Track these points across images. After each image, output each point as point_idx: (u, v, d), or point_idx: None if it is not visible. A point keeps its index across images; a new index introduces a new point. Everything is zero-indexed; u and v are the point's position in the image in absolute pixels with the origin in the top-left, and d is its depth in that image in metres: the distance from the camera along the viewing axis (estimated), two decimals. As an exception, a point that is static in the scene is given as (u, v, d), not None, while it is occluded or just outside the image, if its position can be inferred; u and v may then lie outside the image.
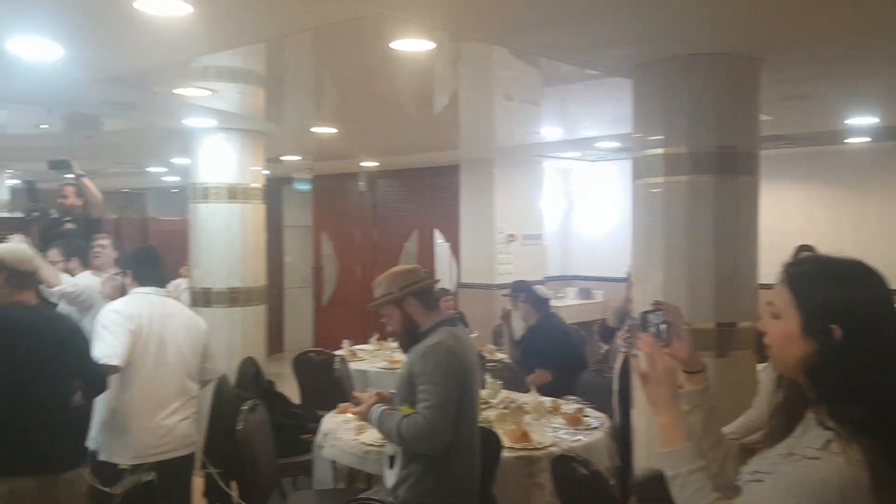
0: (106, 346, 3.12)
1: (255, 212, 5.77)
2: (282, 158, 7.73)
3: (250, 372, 5.01)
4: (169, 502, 3.31)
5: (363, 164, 8.54)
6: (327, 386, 5.12)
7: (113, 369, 3.13)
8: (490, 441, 3.12)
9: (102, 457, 3.22)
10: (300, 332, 10.00)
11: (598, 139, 6.59)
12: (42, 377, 2.88)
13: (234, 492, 4.01)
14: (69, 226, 5.06)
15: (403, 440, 2.64)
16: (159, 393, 3.30)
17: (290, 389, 5.33)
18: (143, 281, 3.41)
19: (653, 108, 3.45)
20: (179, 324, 3.41)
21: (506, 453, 3.29)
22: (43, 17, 2.89)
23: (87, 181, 5.02)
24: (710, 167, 3.27)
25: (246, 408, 3.79)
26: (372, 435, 3.54)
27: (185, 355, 3.38)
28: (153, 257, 3.60)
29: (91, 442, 3.28)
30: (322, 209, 9.80)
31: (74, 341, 3.04)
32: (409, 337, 2.82)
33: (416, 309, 2.82)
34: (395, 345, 5.91)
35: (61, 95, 4.58)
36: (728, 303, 3.26)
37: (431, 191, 8.44)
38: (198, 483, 4.20)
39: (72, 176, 5.00)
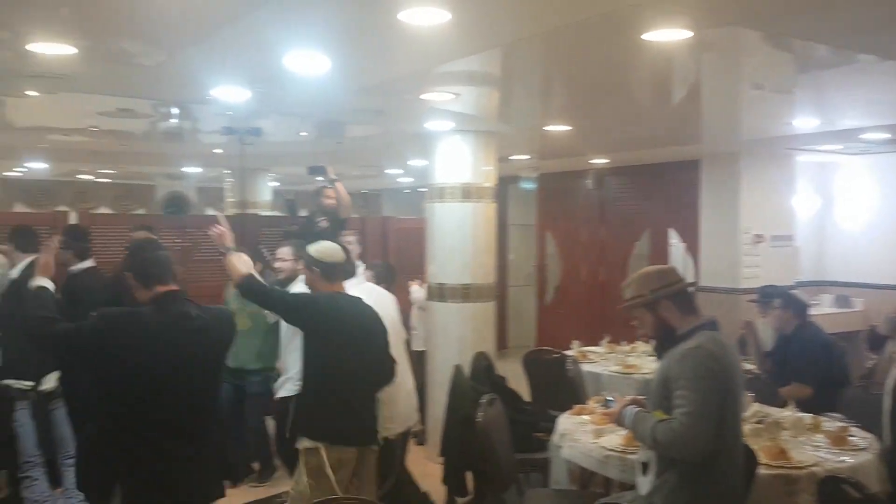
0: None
1: (487, 211, 5.89)
2: (510, 158, 7.84)
3: (483, 366, 5.12)
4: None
5: (592, 161, 8.40)
6: (558, 385, 5.09)
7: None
8: (745, 456, 2.91)
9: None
10: (523, 330, 10.11)
11: (864, 130, 5.91)
12: (365, 359, 3.26)
13: (469, 482, 4.16)
14: (324, 224, 5.48)
15: (658, 444, 2.55)
16: (404, 369, 3.80)
17: (516, 386, 5.37)
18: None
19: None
20: (390, 303, 4.01)
21: (762, 470, 3.06)
22: (317, 33, 3.17)
23: (339, 185, 5.39)
24: None
25: (484, 401, 3.88)
26: (612, 440, 3.48)
27: (400, 333, 3.98)
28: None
29: None
30: (546, 208, 9.80)
31: (382, 331, 3.42)
32: (664, 341, 2.71)
33: (671, 312, 2.70)
34: (627, 348, 5.80)
35: (321, 105, 5.02)
36: None
37: (667, 188, 8.07)
38: (436, 469, 4.40)
39: (327, 179, 5.44)
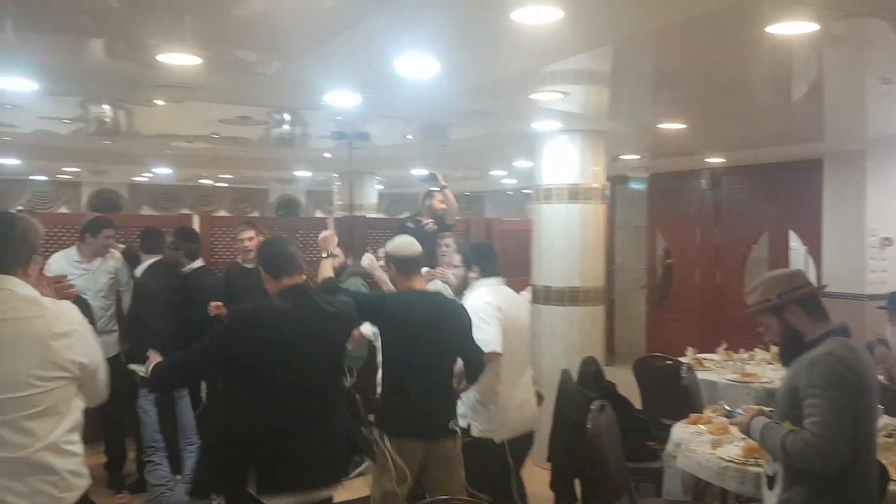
0: (486, 335, 3.49)
1: (595, 212, 5.77)
2: (620, 157, 7.65)
3: (591, 371, 4.99)
4: (515, 471, 3.76)
5: (707, 160, 8.08)
6: (671, 393, 4.93)
7: (494, 356, 3.52)
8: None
9: (477, 433, 3.61)
10: (631, 335, 9.85)
11: None
12: (437, 354, 3.28)
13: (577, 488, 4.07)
14: (431, 226, 5.56)
15: (788, 456, 2.40)
16: (520, 374, 3.75)
17: (626, 393, 5.22)
18: (487, 273, 3.79)
19: None
20: (519, 305, 3.88)
21: (892, 487, 2.86)
22: (428, 36, 3.19)
23: (448, 191, 5.51)
24: None
25: (595, 407, 3.78)
26: (731, 450, 3.36)
27: (527, 339, 3.90)
28: (493, 252, 3.99)
29: (459, 419, 3.57)
30: (657, 209, 9.51)
31: (465, 326, 3.41)
32: (791, 348, 2.56)
33: (799, 318, 2.56)
34: (745, 356, 5.53)
35: (429, 108, 5.06)
36: None
37: (787, 188, 7.65)
38: (543, 474, 4.34)
39: (437, 185, 5.52)
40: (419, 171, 9.48)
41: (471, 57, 3.58)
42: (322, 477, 2.82)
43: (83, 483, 2.09)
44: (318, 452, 2.78)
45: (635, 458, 4.19)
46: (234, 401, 2.81)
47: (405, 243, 3.45)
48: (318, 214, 14.13)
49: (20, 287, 2.07)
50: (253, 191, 15.20)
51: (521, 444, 3.81)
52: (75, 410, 2.09)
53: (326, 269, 3.46)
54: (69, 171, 12.37)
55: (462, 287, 3.90)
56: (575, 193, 5.67)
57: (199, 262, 4.89)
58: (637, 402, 5.19)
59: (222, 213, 14.38)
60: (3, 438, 1.94)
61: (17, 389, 1.95)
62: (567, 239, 5.68)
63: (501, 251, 7.29)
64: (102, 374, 2.20)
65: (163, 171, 11.76)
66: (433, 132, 7.47)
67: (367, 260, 4.52)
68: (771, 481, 2.56)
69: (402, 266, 3.39)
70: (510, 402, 3.68)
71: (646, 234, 9.72)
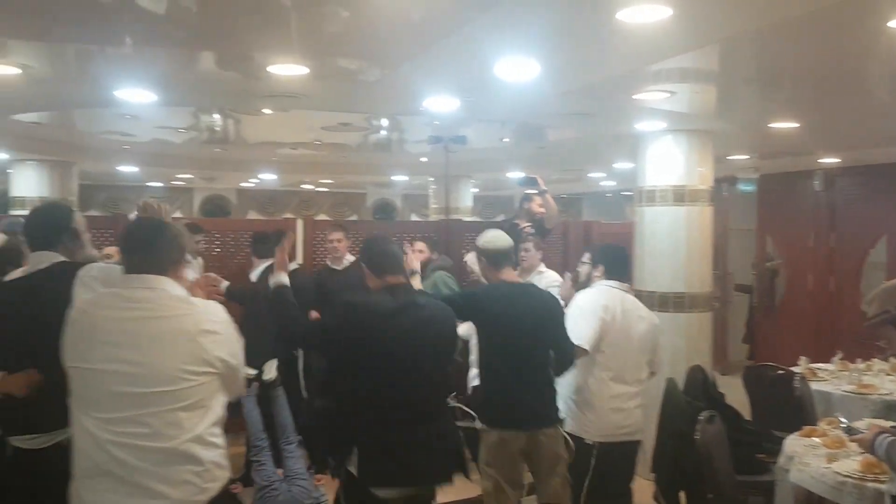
0: (579, 330, 3.51)
1: (702, 214, 5.57)
2: (728, 158, 7.36)
3: (698, 380, 4.81)
4: (617, 481, 3.70)
5: (821, 160, 7.66)
6: (783, 404, 4.70)
7: (582, 352, 3.52)
8: None
9: (569, 429, 3.57)
10: (739, 343, 9.46)
11: None
12: (531, 344, 3.32)
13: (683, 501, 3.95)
14: (528, 230, 5.51)
15: None
16: (624, 378, 3.67)
17: (735, 403, 5.00)
18: (611, 275, 3.77)
19: None
20: (638, 317, 3.75)
21: None
22: (530, 39, 3.16)
23: (548, 196, 5.45)
24: None
25: (703, 418, 3.67)
26: (848, 465, 3.17)
27: (642, 346, 3.75)
28: (623, 255, 3.99)
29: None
30: (767, 211, 9.07)
31: (556, 317, 3.45)
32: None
33: None
34: (862, 366, 5.20)
35: (527, 110, 5.02)
36: None
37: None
38: (647, 486, 4.22)
39: (538, 190, 5.46)
40: (516, 174, 9.43)
41: (573, 58, 3.52)
42: (427, 472, 2.83)
43: (224, 475, 2.18)
44: (423, 447, 2.80)
45: (745, 470, 4.03)
46: (339, 390, 2.89)
47: (496, 237, 3.50)
48: (414, 218, 14.29)
49: (171, 287, 2.19)
50: (352, 195, 15.55)
51: (619, 454, 3.68)
52: (218, 405, 2.19)
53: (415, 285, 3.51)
54: (182, 177, 13.04)
55: (585, 284, 3.90)
56: (680, 195, 5.50)
57: (294, 264, 5.03)
58: (747, 413, 4.99)
59: (322, 216, 14.78)
60: (156, 429, 2.04)
61: (169, 383, 2.05)
62: (672, 242, 5.51)
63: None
64: (243, 370, 2.31)
65: (268, 177, 12.21)
66: (530, 134, 7.42)
67: (471, 259, 4.55)
68: (894, 501, 2.40)
69: (494, 259, 3.45)
70: (605, 404, 3.62)
71: (755, 237, 9.30)
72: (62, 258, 2.60)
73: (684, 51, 3.36)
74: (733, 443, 3.99)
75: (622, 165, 8.73)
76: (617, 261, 3.87)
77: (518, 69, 3.60)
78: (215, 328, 2.17)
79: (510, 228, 5.58)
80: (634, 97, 4.36)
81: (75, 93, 4.55)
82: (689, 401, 4.23)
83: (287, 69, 3.59)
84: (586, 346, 3.53)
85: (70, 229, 2.64)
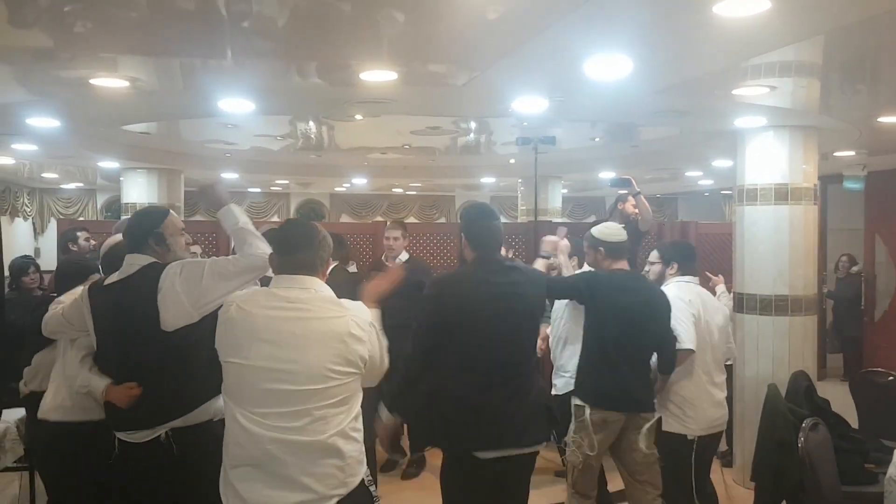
0: (681, 331, 3.64)
1: (806, 214, 5.31)
2: (834, 154, 6.99)
3: (802, 387, 4.62)
4: (705, 473, 3.87)
5: (938, 155, 7.16)
6: (893, 412, 4.45)
7: (689, 353, 3.65)
8: None
9: (668, 428, 3.73)
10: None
11: None
12: (641, 333, 3.47)
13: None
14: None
15: None
16: (712, 371, 3.83)
17: (840, 410, 4.75)
18: (686, 270, 3.96)
19: None
20: (715, 308, 3.96)
21: None
22: (622, 36, 3.10)
23: (642, 197, 5.36)
24: None
25: (806, 425, 3.53)
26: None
27: (721, 336, 3.94)
28: (693, 250, 4.16)
29: None
30: (877, 210, 8.56)
31: (666, 311, 3.59)
32: None
33: None
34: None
35: (619, 109, 4.93)
36: None
37: None
38: (748, 495, 4.07)
39: (631, 191, 5.40)
40: (608, 175, 9.25)
41: (667, 54, 3.43)
42: (523, 433, 2.92)
43: (362, 470, 2.27)
44: (518, 408, 2.90)
45: (851, 481, 3.88)
46: (437, 363, 2.93)
47: (616, 229, 3.67)
48: (503, 220, 14.20)
49: (322, 287, 2.30)
50: (441, 198, 15.69)
51: (710, 444, 3.88)
52: (359, 400, 2.28)
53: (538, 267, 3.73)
54: (279, 183, 13.49)
55: (658, 283, 3.97)
56: (783, 194, 5.26)
57: (352, 268, 5.13)
58: (853, 422, 4.73)
59: (412, 219, 14.99)
60: (306, 425, 2.13)
61: (319, 381, 2.16)
62: (773, 243, 5.28)
63: (700, 256, 7.01)
64: (384, 364, 2.39)
65: (359, 181, 12.47)
66: (622, 133, 7.27)
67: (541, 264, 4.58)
68: None
69: (612, 250, 3.58)
70: (703, 400, 3.76)
71: (864, 237, 8.79)
72: (152, 260, 2.69)
73: (785, 44, 3.21)
74: (839, 452, 3.84)
75: (720, 163, 8.43)
76: (689, 256, 4.03)
77: (610, 67, 3.53)
78: (362, 332, 2.26)
79: None
80: (733, 93, 4.20)
81: (180, 104, 4.77)
82: (791, 408, 4.08)
83: (377, 76, 3.66)
84: (692, 346, 3.65)
85: (155, 233, 2.74)
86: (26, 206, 12.31)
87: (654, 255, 4.12)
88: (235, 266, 2.61)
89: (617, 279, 3.53)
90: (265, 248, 2.61)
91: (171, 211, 2.90)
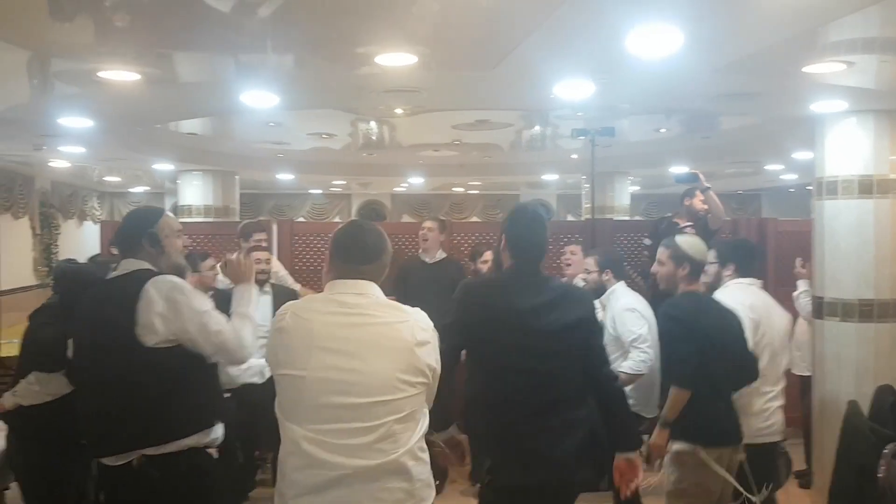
0: None
1: (893, 208, 4.80)
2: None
3: (887, 403, 4.16)
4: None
5: None
6: None
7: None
8: None
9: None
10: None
11: None
12: (728, 358, 3.23)
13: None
14: (689, 230, 5.09)
15: None
16: (770, 378, 3.60)
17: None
18: (743, 273, 3.70)
19: None
20: (779, 314, 3.73)
21: None
22: (669, 2, 2.73)
23: (711, 193, 5.10)
24: None
25: (889, 451, 3.23)
26: None
27: (783, 343, 3.70)
28: (753, 250, 3.93)
29: None
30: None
31: (741, 327, 3.35)
32: None
33: None
34: None
35: (674, 92, 4.53)
36: None
37: None
38: None
39: (699, 187, 5.15)
40: (677, 170, 8.77)
41: (723, 25, 3.01)
42: (561, 462, 2.57)
43: (431, 494, 2.07)
44: (557, 434, 2.58)
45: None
46: (473, 379, 2.70)
47: (701, 245, 3.41)
48: (570, 218, 13.86)
49: (380, 293, 2.15)
50: (504, 196, 15.46)
51: (764, 454, 3.56)
52: (425, 417, 2.12)
53: None
54: (338, 183, 13.58)
55: (714, 286, 3.75)
56: (867, 186, 4.78)
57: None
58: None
59: (474, 219, 14.80)
60: (373, 443, 1.96)
61: (385, 392, 1.99)
62: (857, 241, 4.80)
63: (776, 256, 6.47)
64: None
65: (416, 181, 12.39)
66: (691, 124, 6.83)
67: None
68: None
69: (697, 271, 3.33)
70: (754, 406, 3.54)
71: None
72: (145, 266, 2.52)
73: (863, 6, 2.74)
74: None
75: (802, 155, 7.83)
76: (748, 256, 3.79)
77: (656, 41, 3.15)
78: (427, 336, 2.11)
79: (668, 227, 5.15)
80: (804, 70, 3.73)
81: (197, 99, 4.66)
82: (874, 428, 3.75)
83: (395, 59, 3.40)
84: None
85: (149, 234, 2.55)
86: (95, 209, 12.66)
87: (710, 255, 3.69)
88: (217, 336, 2.44)
89: (708, 304, 3.32)
90: (250, 342, 2.53)
91: (166, 211, 2.73)
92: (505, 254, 2.73)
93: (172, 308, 2.36)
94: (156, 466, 2.34)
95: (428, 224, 4.96)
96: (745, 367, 3.35)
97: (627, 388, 3.68)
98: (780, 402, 3.66)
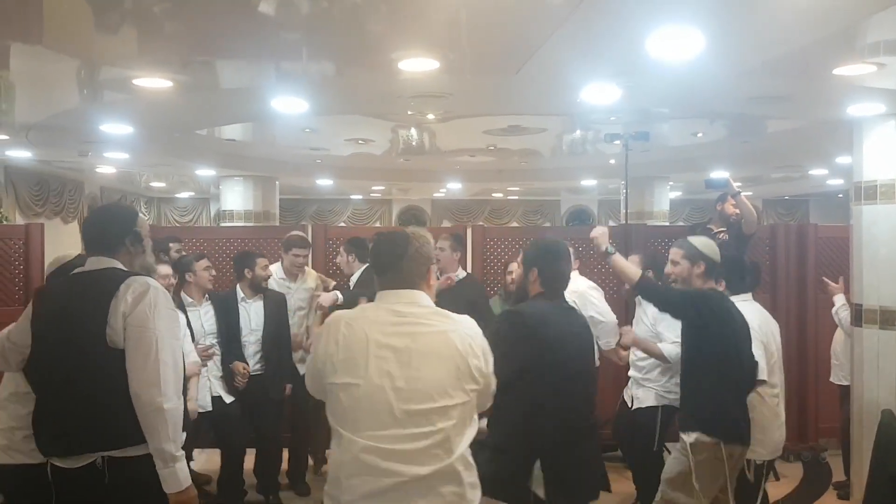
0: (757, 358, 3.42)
1: (933, 214, 4.62)
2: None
3: (925, 412, 3.99)
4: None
5: None
6: None
7: (760, 383, 3.45)
8: None
9: None
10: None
11: None
12: (741, 359, 3.26)
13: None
14: (722, 235, 5.00)
15: None
16: (779, 392, 3.64)
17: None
18: (734, 289, 3.61)
19: None
20: (775, 327, 3.74)
21: None
22: (692, 3, 2.69)
23: (743, 197, 4.98)
24: None
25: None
26: None
27: (780, 353, 3.72)
28: (743, 265, 3.83)
29: None
30: None
31: (749, 332, 3.36)
32: None
33: None
34: None
35: (702, 95, 4.46)
36: None
37: None
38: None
39: (730, 191, 5.03)
40: (717, 174, 8.62)
41: (747, 27, 2.96)
42: (594, 485, 2.80)
43: (478, 496, 2.08)
44: (591, 458, 2.80)
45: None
46: (516, 402, 2.70)
47: (715, 245, 3.46)
48: (611, 223, 13.73)
49: (428, 301, 2.16)
50: (545, 202, 15.37)
51: (770, 467, 3.74)
52: (475, 424, 2.12)
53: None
54: (377, 189, 13.66)
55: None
56: (906, 191, 4.62)
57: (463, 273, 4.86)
58: None
59: (514, 224, 14.74)
60: (427, 448, 1.98)
61: (439, 399, 2.00)
62: (896, 248, 4.64)
63: (818, 263, 6.28)
64: (494, 383, 2.23)
65: (454, 186, 12.40)
66: (729, 128, 6.67)
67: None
68: None
69: (712, 269, 3.36)
70: (773, 421, 3.57)
71: None
72: (116, 264, 2.45)
73: (889, 4, 2.67)
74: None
75: (845, 160, 7.59)
76: (739, 272, 3.72)
77: (680, 42, 3.12)
78: (477, 342, 2.12)
79: (702, 234, 5.06)
80: (835, 73, 3.63)
81: (233, 106, 4.73)
82: None
83: (417, 64, 3.41)
84: (765, 377, 3.48)
85: (133, 232, 2.51)
86: (143, 213, 13.01)
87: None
88: (155, 364, 2.29)
89: (727, 303, 3.34)
90: (170, 394, 2.31)
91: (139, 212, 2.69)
92: (535, 283, 2.84)
93: (136, 311, 2.30)
94: (116, 469, 2.28)
95: (440, 244, 4.61)
96: (752, 370, 3.37)
97: (671, 383, 3.87)
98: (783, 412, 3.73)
